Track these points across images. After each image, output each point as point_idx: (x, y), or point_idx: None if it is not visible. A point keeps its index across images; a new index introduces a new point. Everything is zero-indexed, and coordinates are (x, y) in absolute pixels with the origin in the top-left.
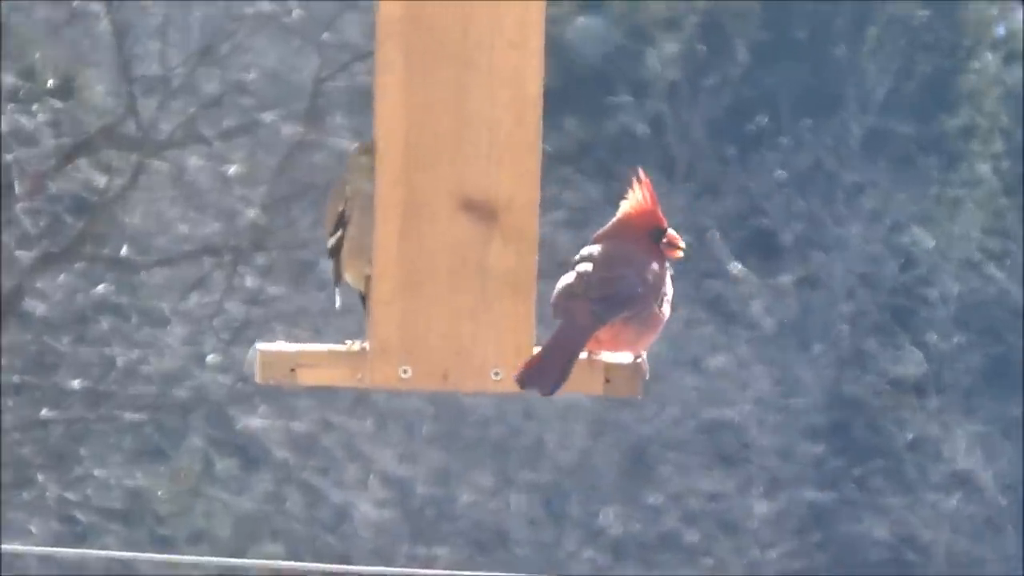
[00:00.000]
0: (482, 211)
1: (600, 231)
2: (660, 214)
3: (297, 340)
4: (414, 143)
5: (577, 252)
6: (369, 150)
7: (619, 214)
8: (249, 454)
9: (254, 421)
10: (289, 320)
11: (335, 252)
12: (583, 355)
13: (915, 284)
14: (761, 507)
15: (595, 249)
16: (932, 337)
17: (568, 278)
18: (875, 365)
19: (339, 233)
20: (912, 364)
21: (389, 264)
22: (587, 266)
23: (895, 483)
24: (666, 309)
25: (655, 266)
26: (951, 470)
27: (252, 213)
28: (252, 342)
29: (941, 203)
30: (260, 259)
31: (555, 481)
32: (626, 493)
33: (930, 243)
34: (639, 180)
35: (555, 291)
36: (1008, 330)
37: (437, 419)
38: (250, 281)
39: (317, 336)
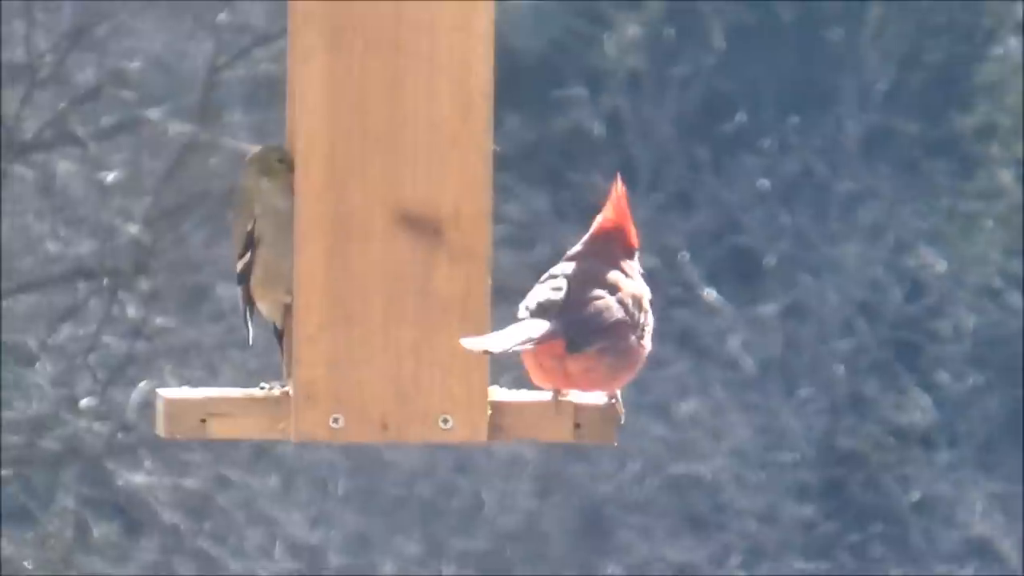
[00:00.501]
0: (423, 226)
1: (573, 249)
2: (631, 231)
3: (188, 380)
4: (341, 147)
5: (522, 273)
6: (265, 158)
7: (593, 227)
8: (132, 517)
9: (137, 477)
10: (178, 357)
11: (244, 278)
12: (549, 395)
13: (923, 315)
14: None
15: (565, 268)
16: (943, 378)
17: (537, 295)
18: (875, 412)
19: (248, 256)
20: (919, 411)
21: (314, 293)
22: (555, 285)
23: (899, 552)
24: (647, 342)
25: (635, 290)
26: (965, 536)
27: (134, 229)
28: (135, 383)
29: (954, 218)
30: (144, 284)
31: (495, 549)
32: (579, 563)
33: (941, 266)
34: (614, 189)
35: (521, 308)
36: None
37: (354, 474)
38: (132, 310)
39: (212, 375)
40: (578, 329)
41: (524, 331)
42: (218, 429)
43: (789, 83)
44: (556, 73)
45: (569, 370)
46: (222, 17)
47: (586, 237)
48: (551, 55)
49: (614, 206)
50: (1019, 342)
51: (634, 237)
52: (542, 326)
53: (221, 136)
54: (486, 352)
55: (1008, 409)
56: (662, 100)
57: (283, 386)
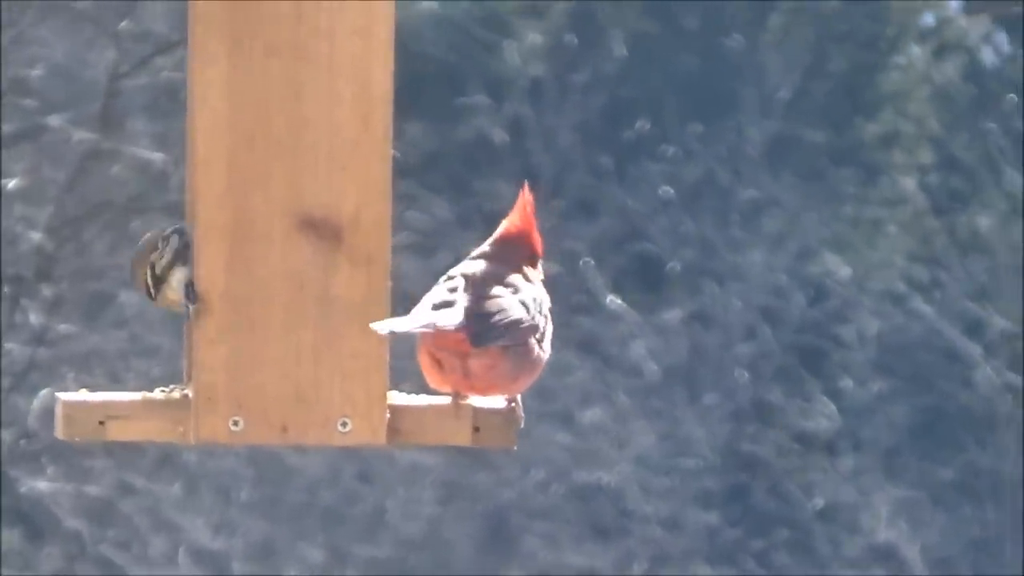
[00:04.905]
0: (324, 230)
1: (478, 250)
2: (536, 238)
3: (91, 387)
4: (241, 152)
5: (425, 280)
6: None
7: (499, 231)
8: (35, 523)
9: (40, 484)
10: (81, 363)
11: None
12: (448, 399)
13: (827, 321)
14: None
15: (467, 268)
16: (847, 385)
17: (435, 296)
18: (779, 418)
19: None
20: (823, 417)
21: (215, 297)
22: (458, 284)
23: (803, 558)
24: (547, 346)
25: (536, 295)
26: (869, 543)
27: (36, 236)
28: (37, 389)
29: (858, 225)
30: (46, 291)
31: (398, 556)
32: (483, 569)
33: (845, 272)
34: (522, 196)
35: (416, 310)
36: (938, 376)
37: (258, 482)
38: (34, 317)
39: (115, 383)
40: (482, 324)
41: (429, 316)
42: (117, 432)
43: (691, 90)
44: (458, 81)
45: (471, 368)
46: (123, 25)
47: (491, 239)
48: (453, 62)
49: (520, 213)
50: (923, 348)
51: (539, 245)
52: (448, 315)
53: (123, 144)
54: (392, 332)
55: (912, 415)
56: (564, 107)
57: (183, 389)
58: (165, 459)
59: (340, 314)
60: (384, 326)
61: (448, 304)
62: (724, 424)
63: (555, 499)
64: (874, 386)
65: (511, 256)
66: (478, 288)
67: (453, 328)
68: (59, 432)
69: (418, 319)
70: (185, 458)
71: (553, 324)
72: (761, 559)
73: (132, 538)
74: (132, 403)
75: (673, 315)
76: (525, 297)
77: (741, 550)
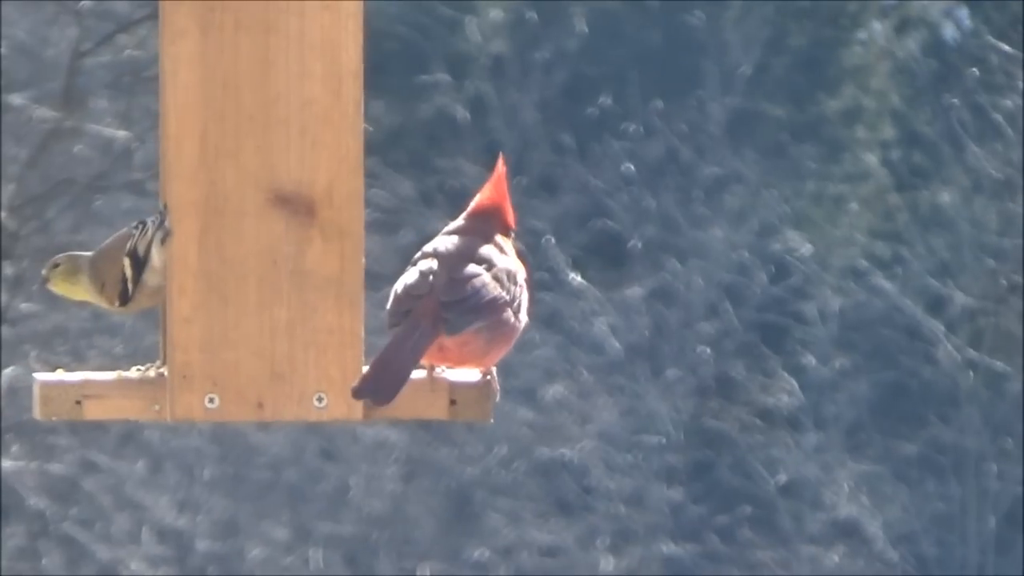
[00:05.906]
0: (296, 205)
1: (452, 225)
2: (509, 210)
3: (54, 365)
4: (213, 127)
5: (388, 258)
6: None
7: (473, 204)
8: None
9: (4, 463)
10: (43, 342)
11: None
12: (423, 372)
13: (789, 298)
14: (607, 563)
15: (441, 244)
16: (809, 361)
17: (409, 278)
18: (742, 394)
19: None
20: (785, 393)
21: (188, 275)
22: (431, 264)
23: (766, 534)
24: (522, 316)
25: (510, 267)
26: (832, 518)
27: None
28: (1, 368)
29: (820, 201)
30: (9, 269)
31: (361, 533)
32: (446, 547)
33: (806, 249)
34: (496, 169)
35: (392, 295)
36: (900, 352)
37: (221, 460)
38: None
39: (78, 361)
40: (456, 310)
41: (406, 357)
42: (93, 411)
43: (653, 67)
44: (419, 58)
45: (445, 345)
46: (85, 3)
47: (466, 212)
48: (414, 39)
49: (494, 185)
50: (884, 324)
51: (512, 217)
52: (419, 338)
53: (85, 122)
54: (377, 403)
55: (874, 391)
56: (526, 84)
57: (158, 367)
58: (129, 437)
59: (314, 289)
60: (368, 396)
61: (422, 288)
62: (687, 401)
63: (518, 475)
64: (836, 362)
65: (485, 229)
66: (452, 269)
67: (427, 343)
68: (37, 412)
69: (397, 378)
70: (148, 436)
71: (529, 292)
72: (725, 535)
73: (96, 516)
74: (108, 382)
75: (635, 292)
76: (499, 272)
77: (705, 526)
